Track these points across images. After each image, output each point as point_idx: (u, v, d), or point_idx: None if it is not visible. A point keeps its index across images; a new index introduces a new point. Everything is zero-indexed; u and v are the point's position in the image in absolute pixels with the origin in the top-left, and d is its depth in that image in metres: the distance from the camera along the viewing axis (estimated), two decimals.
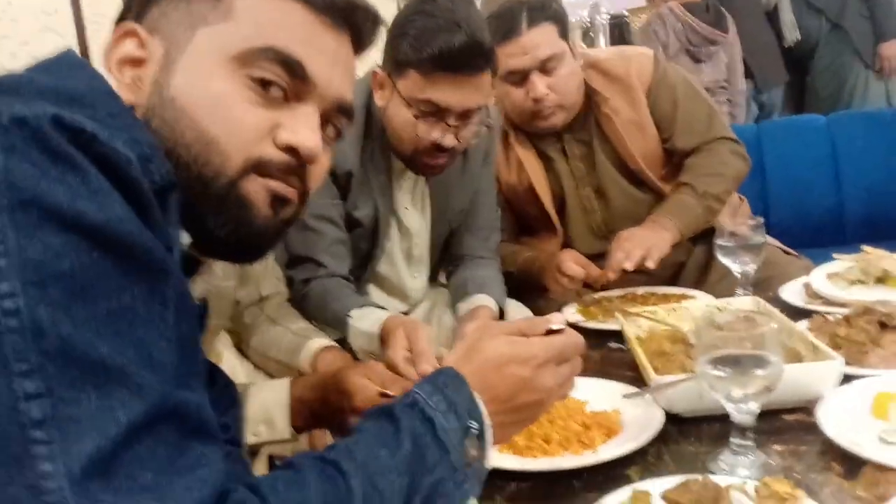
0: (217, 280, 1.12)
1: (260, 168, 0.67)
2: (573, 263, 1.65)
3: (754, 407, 0.88)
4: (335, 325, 1.34)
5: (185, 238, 0.66)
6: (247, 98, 0.67)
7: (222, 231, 0.67)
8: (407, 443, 0.64)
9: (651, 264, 1.56)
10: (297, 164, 0.69)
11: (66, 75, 0.60)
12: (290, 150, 0.68)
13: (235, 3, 0.67)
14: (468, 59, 1.28)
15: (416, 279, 1.61)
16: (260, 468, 1.10)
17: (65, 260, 0.49)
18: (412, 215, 1.54)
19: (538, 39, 1.62)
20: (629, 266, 1.55)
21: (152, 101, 0.66)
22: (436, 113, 1.32)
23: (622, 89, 1.75)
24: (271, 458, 1.15)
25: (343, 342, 1.32)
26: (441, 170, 1.43)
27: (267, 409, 1.01)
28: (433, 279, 1.70)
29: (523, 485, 0.91)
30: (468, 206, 1.61)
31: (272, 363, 1.30)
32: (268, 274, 1.36)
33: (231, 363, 1.27)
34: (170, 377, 0.53)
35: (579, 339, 0.79)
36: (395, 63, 1.33)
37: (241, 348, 1.34)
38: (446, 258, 1.68)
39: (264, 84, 0.67)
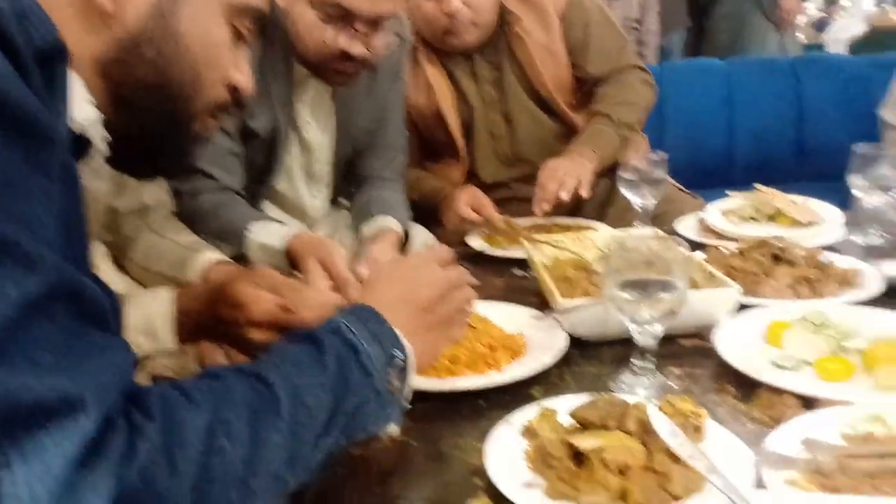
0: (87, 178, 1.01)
1: (214, 107, 0.71)
2: (467, 206, 1.61)
3: (659, 329, 0.89)
4: (229, 239, 1.25)
5: (90, 114, 0.59)
6: (229, 45, 0.69)
7: (166, 156, 0.69)
8: (332, 364, 0.63)
9: (585, 193, 1.55)
10: (232, 102, 0.72)
11: None
12: (234, 89, 0.71)
13: None
14: None
15: (315, 198, 1.53)
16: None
17: None
18: (314, 130, 1.45)
19: None
20: (565, 196, 1.53)
21: (151, 26, 0.62)
22: (344, 17, 1.23)
23: (536, 12, 1.71)
24: (154, 379, 1.07)
25: (239, 260, 1.24)
26: (349, 79, 1.34)
27: (149, 319, 0.92)
28: (335, 201, 1.63)
29: (428, 405, 0.89)
30: (375, 124, 1.53)
31: (157, 277, 1.20)
32: (150, 182, 1.24)
33: (108, 277, 1.17)
34: (57, 254, 0.48)
35: (464, 273, 0.85)
36: None
37: (119, 261, 1.24)
38: (349, 179, 1.61)
39: (236, 32, 0.70)
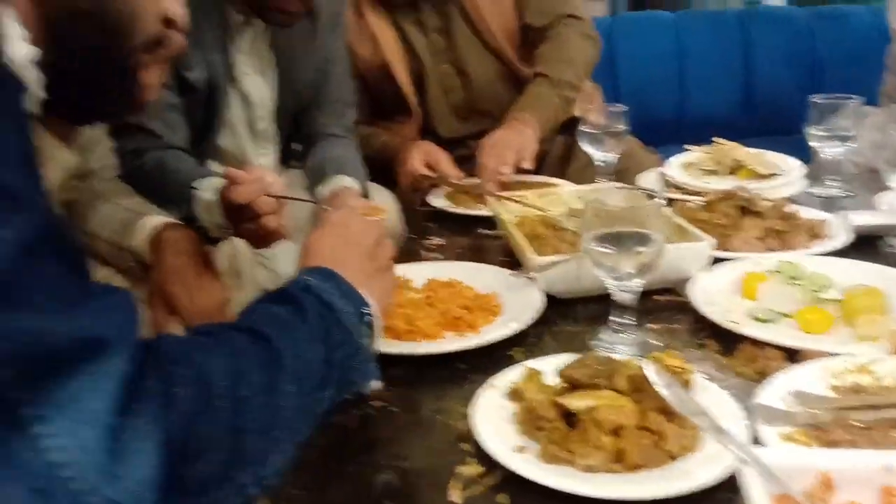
0: None
1: (150, 43, 0.66)
2: (421, 165, 1.56)
3: (638, 284, 0.87)
4: (176, 200, 1.17)
5: (24, 50, 0.53)
6: None
7: (103, 95, 0.65)
8: (314, 319, 0.63)
9: (527, 165, 1.50)
10: (167, 35, 0.68)
11: None
12: (168, 22, 0.67)
13: None
14: None
15: (262, 157, 1.45)
16: None
17: None
18: (253, 81, 1.37)
19: None
20: (507, 171, 1.47)
21: None
22: None
23: None
24: None
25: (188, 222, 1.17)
26: (292, 18, 1.26)
27: None
28: (284, 161, 1.56)
29: (407, 369, 0.86)
30: (318, 77, 1.46)
31: (102, 243, 1.12)
32: (95, 143, 1.16)
33: None
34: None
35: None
36: None
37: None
38: (298, 137, 1.54)
39: None
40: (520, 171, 1.51)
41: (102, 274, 1.16)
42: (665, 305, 1.00)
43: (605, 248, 0.86)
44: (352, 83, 1.56)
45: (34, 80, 0.55)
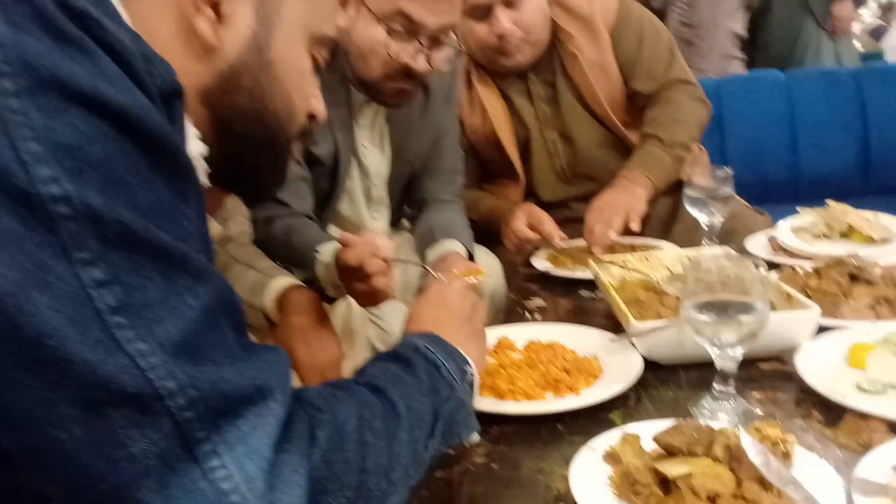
0: None
1: (300, 132, 0.75)
2: (524, 225, 1.61)
3: (739, 352, 0.88)
4: (300, 263, 1.28)
5: (196, 147, 0.63)
6: (311, 74, 0.73)
7: (265, 177, 0.73)
8: (423, 375, 0.70)
9: (635, 227, 1.53)
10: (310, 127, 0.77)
11: None
12: (311, 116, 0.76)
13: None
14: None
15: (376, 220, 1.56)
16: None
17: (96, 146, 0.45)
18: (371, 153, 1.49)
19: None
20: (613, 237, 1.50)
21: (248, 57, 0.65)
22: (409, 31, 1.26)
23: (587, 28, 1.71)
24: None
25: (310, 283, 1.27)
26: (406, 98, 1.36)
27: None
28: (395, 224, 1.65)
29: (507, 428, 0.90)
30: (430, 148, 1.56)
31: None
32: (235, 213, 1.29)
33: None
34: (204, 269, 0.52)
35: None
36: None
37: None
38: (410, 202, 1.63)
39: (315, 62, 0.73)
40: (626, 231, 1.54)
41: None
42: (770, 374, 1.00)
43: (706, 315, 0.87)
44: (460, 151, 1.64)
45: (202, 171, 0.65)
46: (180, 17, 0.60)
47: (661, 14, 3.26)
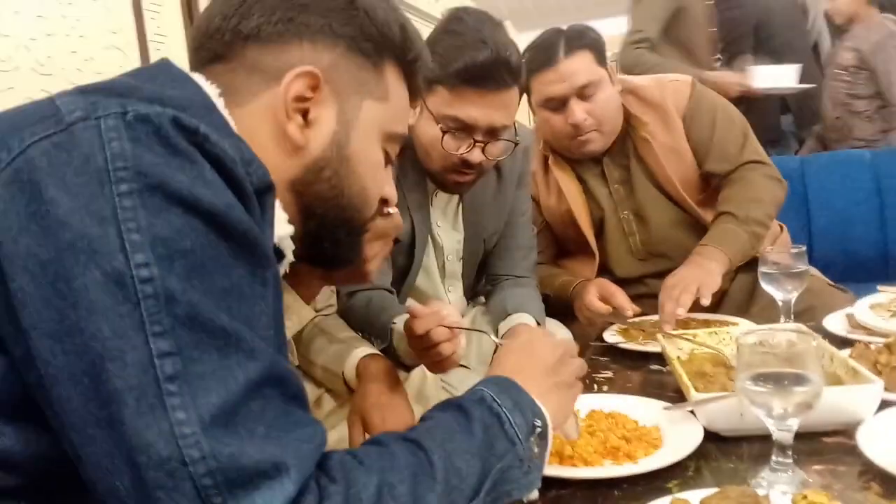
0: None
1: (375, 215, 0.86)
2: (595, 299, 1.65)
3: (794, 424, 0.89)
4: (379, 333, 1.37)
5: (284, 230, 0.74)
6: (383, 165, 0.83)
7: (342, 252, 0.84)
8: (478, 431, 0.70)
9: (705, 301, 1.55)
10: (381, 210, 0.88)
11: (170, 85, 0.67)
12: (384, 200, 0.87)
13: (389, 86, 0.81)
14: (493, 74, 1.32)
15: (451, 293, 1.65)
16: None
17: (187, 239, 0.55)
18: (444, 231, 1.59)
19: (575, 66, 1.67)
20: (682, 314, 1.52)
21: (329, 152, 0.76)
22: (462, 129, 1.36)
23: (659, 115, 1.78)
24: None
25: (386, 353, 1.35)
26: (468, 186, 1.47)
27: None
28: (473, 298, 1.73)
29: (564, 491, 0.93)
30: (503, 227, 1.65)
31: (318, 369, 1.34)
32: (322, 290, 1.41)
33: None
34: (272, 348, 0.59)
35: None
36: (424, 80, 1.37)
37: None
38: (484, 279, 1.71)
39: (387, 155, 0.84)
40: (699, 308, 1.55)
41: (315, 394, 1.37)
42: (832, 447, 0.99)
43: (760, 386, 0.90)
44: (533, 230, 1.72)
45: (289, 249, 0.77)
46: (276, 123, 0.73)
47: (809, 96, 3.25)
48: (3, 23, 1.84)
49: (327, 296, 1.42)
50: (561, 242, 1.94)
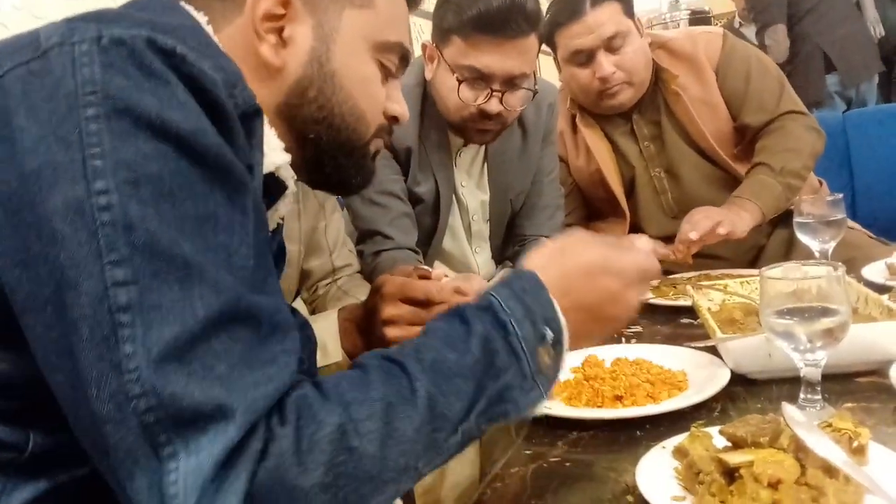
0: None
1: (378, 132, 0.81)
2: None
3: (822, 358, 0.86)
4: None
5: (280, 158, 0.72)
6: (379, 78, 0.79)
7: (348, 175, 0.81)
8: (476, 348, 0.64)
9: (722, 231, 1.52)
10: (391, 128, 0.84)
11: (160, 13, 0.66)
12: (393, 118, 0.83)
13: None
14: (508, 20, 1.29)
15: (478, 254, 1.63)
16: None
17: (153, 163, 0.53)
18: (468, 191, 1.57)
19: (602, 18, 1.63)
20: (694, 235, 1.50)
21: (311, 70, 0.74)
22: (479, 78, 1.34)
23: (690, 67, 1.73)
24: None
25: None
26: (492, 136, 1.44)
27: (320, 337, 1.05)
28: (501, 261, 1.72)
29: (585, 433, 0.92)
30: (528, 186, 1.62)
31: None
32: (339, 245, 1.41)
33: None
34: (247, 281, 0.57)
35: (658, 265, 0.80)
36: (441, 32, 1.36)
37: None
38: (511, 240, 1.70)
39: (385, 68, 0.79)
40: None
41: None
42: (866, 386, 0.96)
43: (786, 319, 0.87)
44: (560, 189, 1.70)
45: (290, 179, 0.75)
46: (250, 47, 0.71)
47: None
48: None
49: (345, 255, 1.41)
50: (591, 203, 1.91)
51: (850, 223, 1.67)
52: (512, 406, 0.66)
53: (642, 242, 1.63)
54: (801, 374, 0.88)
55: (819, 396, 0.88)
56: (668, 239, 1.81)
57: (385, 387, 0.59)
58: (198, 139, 0.55)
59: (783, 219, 1.73)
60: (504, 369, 0.65)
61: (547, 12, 1.67)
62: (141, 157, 0.53)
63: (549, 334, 0.68)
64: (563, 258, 0.74)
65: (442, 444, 0.61)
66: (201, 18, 0.69)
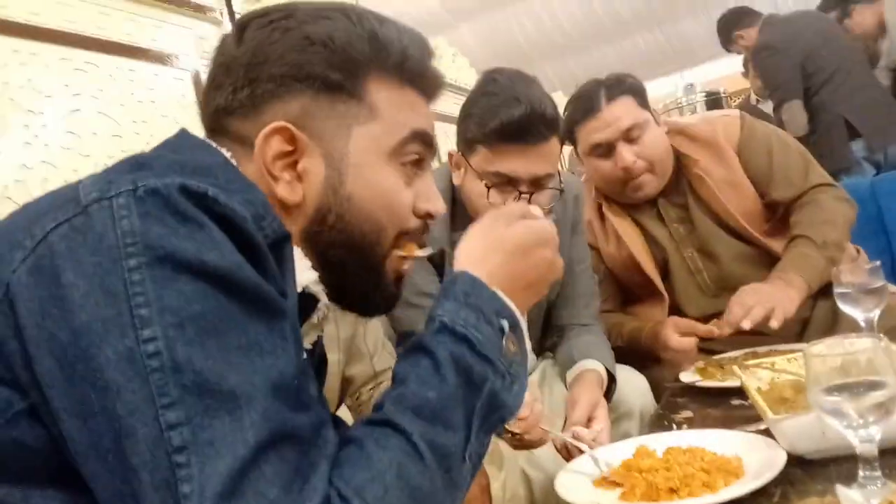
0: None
1: (400, 238, 0.79)
2: (676, 336, 1.62)
3: (876, 433, 0.84)
4: None
5: (308, 277, 0.75)
6: (402, 183, 0.78)
7: (370, 294, 0.80)
8: (450, 374, 0.65)
9: (775, 324, 1.50)
10: (426, 224, 0.82)
11: (188, 152, 0.70)
12: (427, 214, 0.81)
13: (375, 102, 0.76)
14: (530, 128, 1.34)
15: None
16: None
17: (196, 303, 0.56)
18: None
19: (618, 112, 1.68)
20: (746, 326, 1.48)
21: (327, 198, 0.75)
22: (507, 183, 1.39)
23: (711, 151, 1.76)
24: None
25: None
26: None
27: None
28: (540, 352, 1.72)
29: None
30: (563, 277, 1.64)
31: None
32: (379, 349, 1.43)
33: None
34: (291, 401, 0.59)
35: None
36: (466, 142, 1.42)
37: None
38: (549, 331, 1.70)
39: (408, 164, 0.78)
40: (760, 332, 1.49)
41: None
42: None
43: (833, 396, 0.86)
44: (594, 277, 1.71)
45: (322, 294, 0.78)
46: (266, 187, 0.73)
47: None
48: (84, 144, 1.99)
49: (385, 359, 1.42)
50: (627, 289, 1.91)
51: (893, 288, 1.64)
52: (503, 409, 0.69)
53: (674, 323, 1.64)
54: (857, 452, 0.86)
55: (878, 473, 0.85)
56: (708, 318, 1.81)
57: (386, 453, 0.61)
58: (234, 274, 0.58)
59: (826, 290, 1.71)
60: (483, 380, 0.67)
61: (564, 111, 1.73)
62: (184, 300, 0.55)
63: (505, 324, 0.71)
64: (497, 244, 0.77)
65: (458, 478, 0.64)
66: (227, 154, 0.72)
